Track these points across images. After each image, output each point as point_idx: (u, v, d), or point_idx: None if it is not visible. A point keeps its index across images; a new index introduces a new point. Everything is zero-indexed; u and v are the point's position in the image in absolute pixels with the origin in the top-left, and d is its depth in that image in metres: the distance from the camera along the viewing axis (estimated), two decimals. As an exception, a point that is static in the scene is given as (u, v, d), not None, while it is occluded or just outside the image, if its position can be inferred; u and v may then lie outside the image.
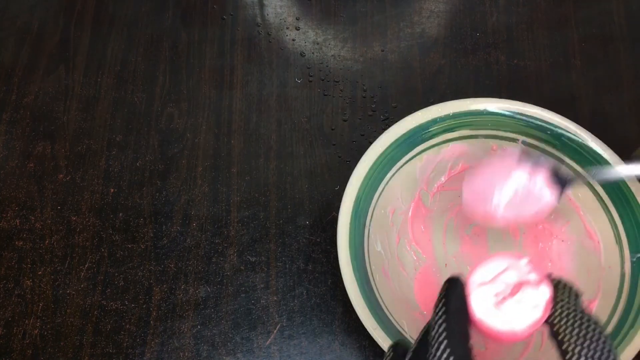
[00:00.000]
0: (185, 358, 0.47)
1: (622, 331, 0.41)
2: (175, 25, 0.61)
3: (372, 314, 0.41)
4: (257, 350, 0.48)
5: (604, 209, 0.46)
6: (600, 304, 0.44)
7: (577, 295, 0.31)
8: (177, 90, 0.58)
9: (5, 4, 0.62)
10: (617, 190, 0.45)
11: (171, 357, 0.47)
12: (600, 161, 0.46)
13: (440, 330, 0.29)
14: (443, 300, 0.30)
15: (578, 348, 0.28)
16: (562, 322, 0.30)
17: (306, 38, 0.60)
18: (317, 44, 0.60)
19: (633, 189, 0.44)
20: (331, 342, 0.48)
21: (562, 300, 0.31)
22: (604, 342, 0.28)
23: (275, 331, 0.48)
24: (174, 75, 0.59)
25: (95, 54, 0.60)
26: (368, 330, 0.41)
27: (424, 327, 0.32)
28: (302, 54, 0.60)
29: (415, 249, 0.49)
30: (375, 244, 0.46)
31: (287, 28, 0.61)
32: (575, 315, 0.30)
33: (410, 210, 0.50)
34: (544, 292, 0.32)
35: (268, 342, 0.48)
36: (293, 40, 0.60)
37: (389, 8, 0.62)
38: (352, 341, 0.48)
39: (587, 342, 0.28)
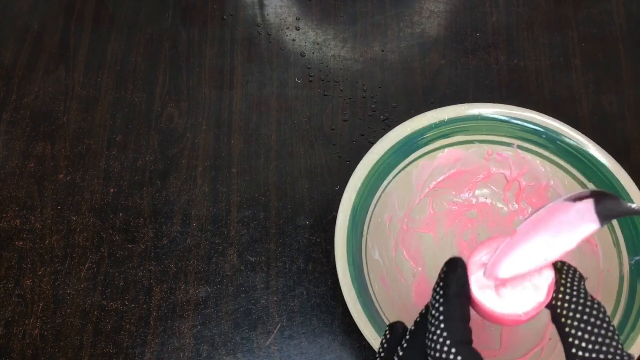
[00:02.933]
0: (185, 358, 0.47)
1: (622, 334, 0.41)
2: (175, 25, 0.61)
3: (371, 323, 0.41)
4: (257, 350, 0.48)
5: None
6: None
7: (580, 279, 0.30)
8: (177, 90, 0.58)
9: (5, 4, 0.62)
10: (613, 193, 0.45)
11: (171, 357, 0.47)
12: (595, 164, 0.46)
13: (438, 314, 0.28)
14: (441, 283, 0.30)
15: (580, 333, 0.27)
16: (565, 306, 0.29)
17: (306, 38, 0.60)
18: (317, 44, 0.60)
19: (629, 191, 0.44)
20: (331, 342, 0.48)
21: (565, 284, 0.30)
22: (607, 326, 0.27)
23: (275, 331, 0.48)
24: (174, 75, 0.59)
25: (95, 54, 0.60)
26: (368, 340, 0.40)
27: (423, 308, 0.31)
28: (302, 54, 0.60)
29: (413, 257, 0.49)
30: (373, 253, 0.46)
31: (287, 28, 0.61)
32: (578, 300, 0.29)
33: (407, 218, 0.49)
34: (547, 275, 0.30)
35: (268, 342, 0.48)
36: (293, 40, 0.60)
37: (389, 8, 0.62)
38: (352, 341, 0.48)
39: (590, 327, 0.27)
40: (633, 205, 0.31)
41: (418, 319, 0.31)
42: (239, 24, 0.61)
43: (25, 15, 0.62)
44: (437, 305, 0.29)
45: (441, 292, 0.29)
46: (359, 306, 0.41)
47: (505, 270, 0.31)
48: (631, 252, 0.44)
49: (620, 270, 0.44)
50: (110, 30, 0.61)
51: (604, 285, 0.45)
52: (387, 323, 0.43)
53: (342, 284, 0.42)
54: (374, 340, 0.40)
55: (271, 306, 0.49)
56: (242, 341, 0.48)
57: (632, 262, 0.44)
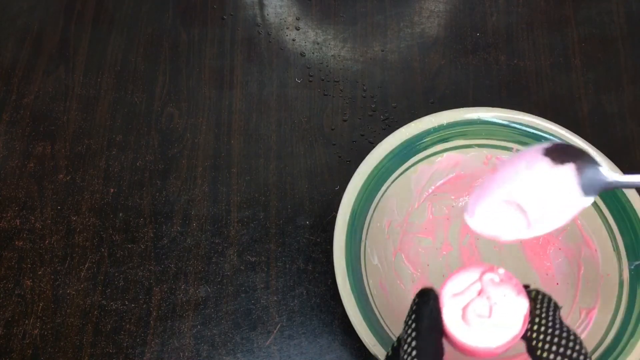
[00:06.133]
0: (185, 358, 0.47)
1: (622, 340, 0.41)
2: (175, 25, 0.61)
3: (370, 330, 0.41)
4: (257, 350, 0.48)
5: (600, 217, 0.46)
6: (599, 312, 0.44)
7: (555, 308, 0.30)
8: (177, 90, 0.58)
9: (5, 4, 0.62)
10: (613, 198, 0.45)
11: (171, 357, 0.47)
12: None
13: (410, 349, 0.27)
14: (413, 316, 0.29)
15: None
16: (540, 337, 0.28)
17: (306, 38, 0.60)
18: (317, 44, 0.60)
19: (630, 196, 0.44)
20: (331, 342, 0.48)
21: (540, 314, 0.29)
22: (584, 359, 0.27)
23: (275, 331, 0.48)
24: (174, 75, 0.59)
25: (95, 54, 0.60)
26: (367, 346, 0.40)
27: (395, 341, 0.30)
28: (302, 54, 0.60)
29: (412, 261, 0.49)
30: (372, 258, 0.46)
31: (287, 28, 0.61)
32: (553, 330, 0.28)
33: (406, 222, 0.49)
34: (522, 305, 0.29)
35: (268, 342, 0.48)
36: (293, 40, 0.60)
37: (389, 8, 0.62)
38: (352, 341, 0.48)
39: (566, 358, 0.27)
40: (614, 179, 0.30)
41: (390, 353, 0.30)
42: (239, 24, 0.61)
43: (25, 15, 0.62)
44: (409, 340, 0.28)
45: (413, 325, 0.28)
46: (358, 314, 0.41)
47: (481, 207, 0.33)
48: (631, 257, 0.44)
49: (620, 275, 0.44)
50: (110, 30, 0.61)
51: (604, 290, 0.44)
52: (386, 328, 0.43)
53: (341, 291, 0.42)
54: (373, 346, 0.40)
55: (271, 306, 0.49)
56: (242, 341, 0.48)
57: (632, 267, 0.43)
